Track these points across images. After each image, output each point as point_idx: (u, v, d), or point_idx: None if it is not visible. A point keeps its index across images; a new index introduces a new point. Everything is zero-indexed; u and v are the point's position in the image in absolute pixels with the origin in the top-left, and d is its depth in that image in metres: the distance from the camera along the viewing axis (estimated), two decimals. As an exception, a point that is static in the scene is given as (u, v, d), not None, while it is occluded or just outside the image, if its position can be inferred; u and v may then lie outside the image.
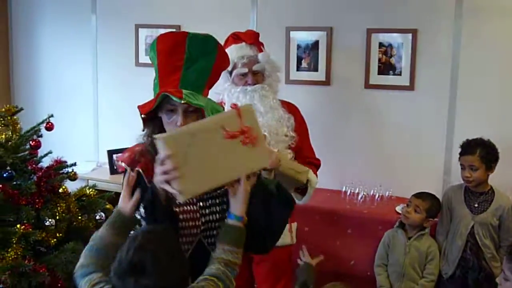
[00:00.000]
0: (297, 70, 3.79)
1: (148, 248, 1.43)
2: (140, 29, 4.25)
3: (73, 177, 2.84)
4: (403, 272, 3.13)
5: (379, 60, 3.59)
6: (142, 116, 1.72)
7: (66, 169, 2.82)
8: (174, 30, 3.98)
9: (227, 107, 2.50)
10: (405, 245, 3.13)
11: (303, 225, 3.19)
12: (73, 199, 2.78)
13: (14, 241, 2.43)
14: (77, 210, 2.75)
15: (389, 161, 3.67)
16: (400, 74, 3.56)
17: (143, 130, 1.78)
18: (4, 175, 2.59)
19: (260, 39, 2.88)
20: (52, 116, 2.82)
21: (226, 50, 2.68)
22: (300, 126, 2.84)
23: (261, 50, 2.82)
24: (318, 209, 3.42)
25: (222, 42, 2.68)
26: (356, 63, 3.65)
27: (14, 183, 2.62)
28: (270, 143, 2.64)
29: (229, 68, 2.71)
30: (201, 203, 1.77)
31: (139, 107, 1.73)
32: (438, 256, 3.13)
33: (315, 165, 2.85)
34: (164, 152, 1.53)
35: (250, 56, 2.75)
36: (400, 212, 3.26)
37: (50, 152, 2.85)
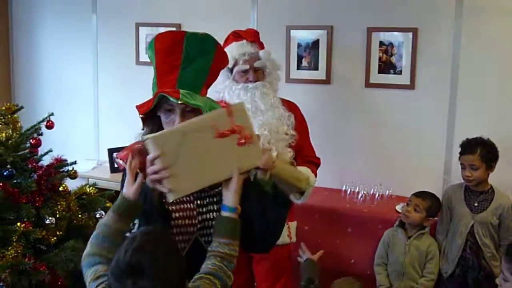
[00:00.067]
0: (298, 69, 3.80)
1: (146, 250, 1.42)
2: (140, 28, 4.25)
3: (73, 175, 2.84)
4: (403, 271, 3.13)
5: (380, 59, 3.59)
6: (141, 116, 1.73)
7: (67, 167, 2.81)
8: (174, 28, 3.99)
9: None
10: (405, 244, 3.13)
11: (303, 224, 3.20)
12: (73, 197, 2.78)
13: (14, 239, 2.43)
14: (77, 208, 2.75)
15: (389, 160, 3.67)
16: (400, 73, 3.56)
17: (143, 129, 1.78)
18: (5, 173, 2.59)
19: (261, 38, 2.88)
20: (52, 114, 2.82)
21: (227, 48, 2.70)
22: (300, 125, 2.84)
23: (262, 48, 2.83)
24: (318, 208, 3.43)
25: (222, 41, 2.70)
26: (357, 62, 3.65)
27: (15, 181, 2.62)
28: (271, 141, 2.64)
29: (230, 65, 2.71)
30: (198, 201, 1.77)
31: (137, 107, 1.73)
32: (438, 255, 3.13)
33: (315, 164, 2.85)
34: (153, 152, 1.55)
35: (251, 53, 2.75)
36: (400, 211, 3.26)
37: (50, 151, 2.85)
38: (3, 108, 2.76)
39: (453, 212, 3.11)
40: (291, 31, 3.77)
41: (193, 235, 1.75)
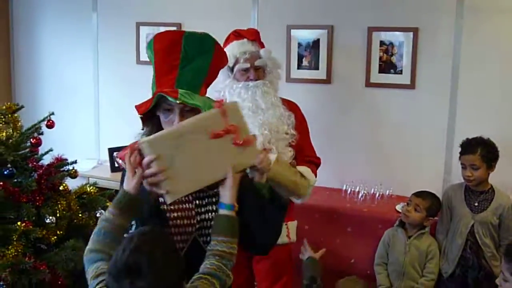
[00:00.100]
0: (298, 68, 3.79)
1: (144, 250, 1.42)
2: (141, 27, 4.25)
3: (73, 174, 2.84)
4: (403, 271, 3.13)
5: (380, 58, 3.59)
6: (140, 116, 1.73)
7: (67, 166, 2.82)
8: (175, 28, 3.99)
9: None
10: (405, 244, 3.13)
11: (303, 223, 3.19)
12: (74, 196, 2.78)
13: (15, 239, 2.44)
14: (78, 207, 2.75)
15: (390, 160, 3.67)
16: (401, 73, 3.55)
17: (142, 129, 1.78)
18: (5, 172, 2.59)
19: (261, 37, 2.88)
20: (53, 113, 2.82)
21: (228, 47, 2.70)
22: (301, 124, 2.83)
23: (262, 47, 2.83)
24: (318, 207, 3.43)
25: (223, 40, 2.70)
26: (357, 61, 3.65)
27: (15, 180, 2.63)
28: (271, 140, 2.65)
29: (231, 64, 2.71)
30: (197, 201, 1.77)
31: (136, 107, 1.74)
32: (438, 255, 3.13)
33: (315, 163, 2.85)
34: (148, 155, 1.56)
35: (252, 51, 2.75)
36: (400, 211, 3.26)
37: (50, 150, 2.85)
38: (4, 107, 2.76)
39: (453, 212, 3.11)
40: (292, 30, 3.77)
41: (191, 235, 1.75)
